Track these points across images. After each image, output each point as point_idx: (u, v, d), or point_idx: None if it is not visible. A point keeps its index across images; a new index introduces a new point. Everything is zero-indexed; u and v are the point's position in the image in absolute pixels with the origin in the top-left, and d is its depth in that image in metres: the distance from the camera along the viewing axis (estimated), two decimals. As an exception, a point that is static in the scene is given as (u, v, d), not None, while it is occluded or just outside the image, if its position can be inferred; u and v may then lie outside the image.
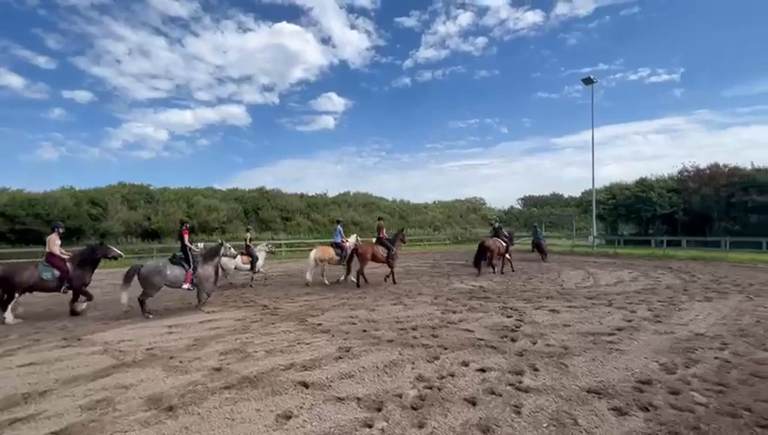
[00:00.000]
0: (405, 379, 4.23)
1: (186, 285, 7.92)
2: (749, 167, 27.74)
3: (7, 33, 53.46)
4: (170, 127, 64.15)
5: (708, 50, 59.45)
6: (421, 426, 3.22)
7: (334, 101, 68.28)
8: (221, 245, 9.06)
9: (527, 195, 55.31)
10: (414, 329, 6.28)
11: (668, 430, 3.11)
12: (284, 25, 64.93)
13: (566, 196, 52.73)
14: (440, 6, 65.33)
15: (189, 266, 7.98)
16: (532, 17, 63.67)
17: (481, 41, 65.53)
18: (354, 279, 11.03)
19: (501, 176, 77.21)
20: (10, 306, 7.34)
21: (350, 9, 69.79)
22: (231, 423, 3.31)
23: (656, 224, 31.74)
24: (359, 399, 3.73)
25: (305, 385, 4.06)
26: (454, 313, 7.46)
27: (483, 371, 4.43)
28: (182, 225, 8.44)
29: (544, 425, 3.22)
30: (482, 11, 64.73)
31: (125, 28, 59.71)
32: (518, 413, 3.41)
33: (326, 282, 11.73)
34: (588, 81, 27.29)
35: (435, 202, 46.86)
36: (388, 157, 75.82)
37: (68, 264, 7.94)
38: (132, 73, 61.39)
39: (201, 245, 9.68)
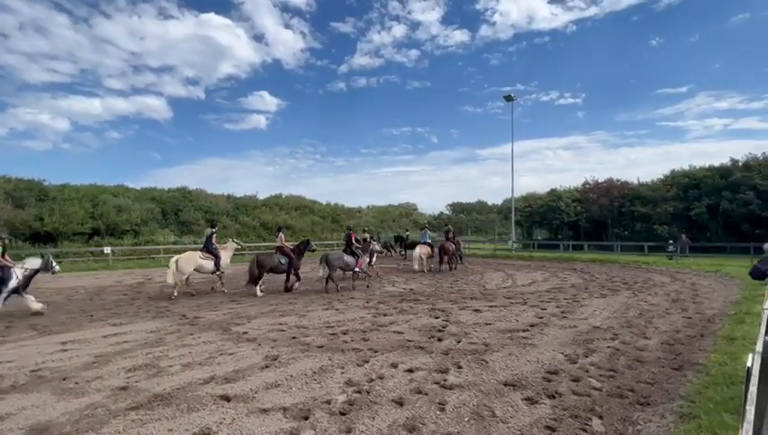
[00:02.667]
0: (334, 384, 4.18)
1: (356, 269, 11.30)
2: (635, 182, 32.51)
3: None
4: (72, 116, 56.22)
5: (602, 80, 68.81)
6: (349, 431, 3.21)
7: (266, 101, 65.49)
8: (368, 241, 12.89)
9: (455, 201, 58.49)
10: (345, 333, 6.25)
11: (570, 413, 3.49)
12: (212, 17, 60.75)
13: (490, 203, 56.74)
14: (375, 16, 66.70)
15: (359, 257, 11.53)
16: (460, 36, 67.72)
17: (414, 53, 67.94)
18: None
19: (431, 183, 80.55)
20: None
21: (285, 8, 67.91)
22: (137, 448, 2.98)
23: (563, 230, 35.60)
24: (285, 409, 3.59)
25: (227, 398, 3.80)
26: (385, 315, 7.57)
27: (411, 371, 4.55)
28: (349, 230, 12.63)
29: (466, 419, 3.41)
30: (414, 25, 67.20)
31: (14, -2, 51.11)
32: (442, 410, 3.56)
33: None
34: (509, 98, 29.78)
35: (369, 206, 47.32)
36: (323, 160, 74.76)
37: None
38: (24, 52, 52.41)
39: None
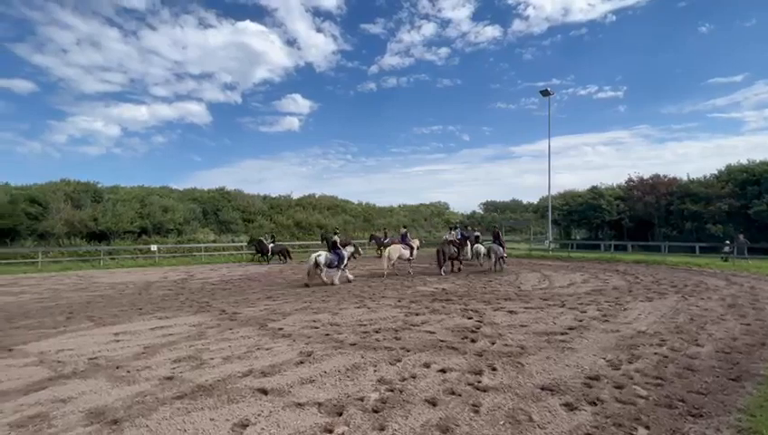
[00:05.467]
0: (367, 382, 4.22)
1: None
2: (685, 178, 30.39)
3: (-69, 11, 47.96)
4: (123, 122, 60.39)
5: (645, 71, 64.79)
6: (382, 429, 3.22)
7: (299, 103, 67.26)
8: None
9: (488, 200, 57.23)
10: (377, 332, 6.28)
11: (613, 422, 3.32)
12: (248, 24, 63.10)
13: (525, 202, 55.08)
14: (405, 16, 66.41)
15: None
16: (492, 32, 66.17)
17: (444, 51, 67.19)
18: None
19: (463, 181, 79.35)
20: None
21: (316, 12, 69.25)
22: (183, 434, 3.15)
23: (604, 229, 33.94)
24: (319, 404, 3.66)
25: (264, 392, 3.93)
26: (416, 315, 7.54)
27: (443, 371, 4.50)
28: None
29: (501, 423, 3.33)
30: (444, 23, 66.35)
31: (73, 17, 55.56)
32: (476, 412, 3.50)
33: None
34: (545, 93, 28.73)
35: (400, 205, 47.34)
36: (354, 160, 75.70)
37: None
38: (81, 65, 57.12)
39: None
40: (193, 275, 15.21)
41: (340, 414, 3.47)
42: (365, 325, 6.74)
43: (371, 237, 24.18)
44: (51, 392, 3.97)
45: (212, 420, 3.38)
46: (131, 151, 61.99)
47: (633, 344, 5.53)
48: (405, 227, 17.38)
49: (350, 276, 12.68)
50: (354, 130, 76.50)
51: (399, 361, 4.88)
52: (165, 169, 67.47)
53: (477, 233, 20.05)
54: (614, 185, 34.93)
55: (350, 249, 12.98)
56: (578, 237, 35.13)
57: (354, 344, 5.59)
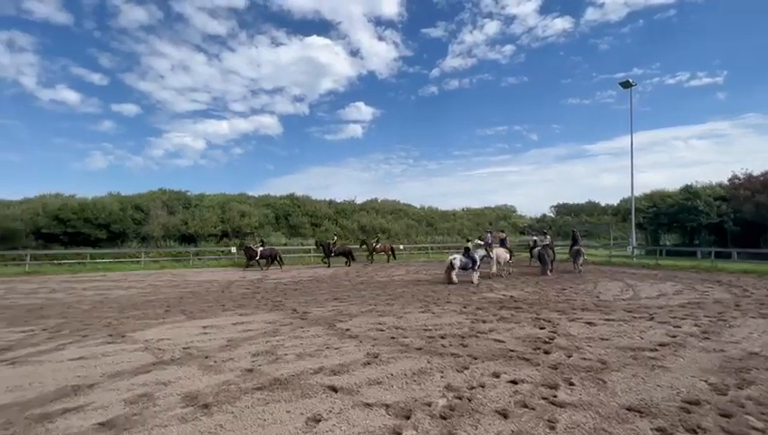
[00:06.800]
0: (434, 387, 4.18)
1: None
2: (809, 173, 25.62)
3: (67, 53, 57.83)
4: (207, 136, 67.01)
5: (750, 52, 55.74)
6: (451, 436, 3.17)
7: (362, 111, 69.19)
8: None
9: (560, 202, 53.30)
10: (442, 337, 6.20)
11: (720, 455, 2.89)
12: (315, 39, 66.57)
13: (603, 204, 50.50)
14: (467, 17, 65.04)
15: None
16: (562, 24, 62.02)
17: (509, 48, 64.51)
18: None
19: (531, 183, 75.13)
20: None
21: (378, 22, 70.69)
22: (263, 423, 3.39)
23: (702, 234, 29.84)
24: (387, 405, 3.71)
25: (334, 389, 4.09)
26: (483, 322, 7.30)
27: (514, 382, 4.30)
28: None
29: (581, 442, 3.08)
30: (509, 19, 63.67)
31: (168, 46, 63.28)
32: (552, 428, 3.28)
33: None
34: (626, 84, 26.19)
35: (463, 209, 46.20)
36: (416, 164, 75.69)
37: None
38: (174, 87, 64.79)
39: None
40: (267, 276, 16.37)
41: (408, 418, 3.48)
42: (430, 330, 6.69)
43: (362, 242, 24.26)
44: (154, 376, 4.54)
45: (288, 412, 3.60)
46: (214, 162, 68.61)
47: (743, 368, 4.78)
48: (503, 232, 19.64)
49: (476, 280, 13.50)
50: (415, 134, 76.67)
51: (467, 368, 4.76)
52: (242, 177, 73.55)
53: (535, 238, 20.30)
54: (713, 183, 30.64)
55: (481, 252, 14.32)
56: (668, 243, 31.30)
57: (420, 349, 5.57)
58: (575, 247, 17.45)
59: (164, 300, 10.08)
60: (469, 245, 14.13)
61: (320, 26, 72.11)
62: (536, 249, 17.46)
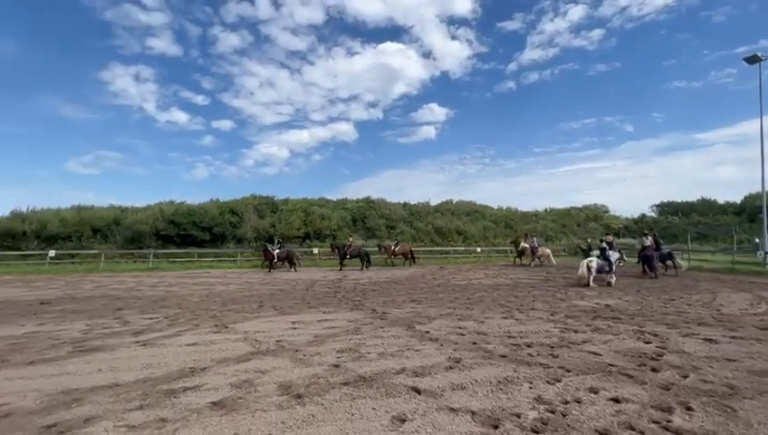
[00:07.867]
0: (522, 398, 3.94)
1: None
2: None
3: (177, 80, 67.65)
4: (290, 146, 72.57)
5: None
6: (545, 452, 2.95)
7: (435, 112, 68.84)
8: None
9: (665, 200, 46.48)
10: (529, 346, 5.83)
11: None
12: (388, 45, 68.18)
13: (720, 201, 43.14)
14: (547, 4, 60.74)
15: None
16: (663, -1, 54.57)
17: (597, 33, 58.87)
18: None
19: (626, 179, 67.29)
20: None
21: (451, 21, 69.83)
22: (351, 418, 3.52)
23: None
24: (473, 412, 3.60)
25: (417, 391, 4.09)
26: (575, 332, 6.71)
27: (616, 401, 3.87)
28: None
29: (708, 478, 2.65)
30: (597, 1, 57.94)
31: (257, 65, 70.17)
32: (669, 458, 2.88)
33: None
34: (754, 59, 22.12)
35: (546, 210, 43.10)
36: (492, 163, 72.95)
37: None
38: (262, 103, 71.57)
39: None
40: (346, 276, 17.09)
41: (496, 427, 3.33)
42: (514, 337, 6.35)
43: (379, 247, 23.63)
44: (254, 364, 5.00)
45: (373, 409, 3.69)
46: (297, 169, 73.99)
47: None
48: (608, 235, 17.49)
49: (613, 281, 13.31)
50: (491, 132, 73.99)
51: (559, 380, 4.41)
52: (321, 182, 78.20)
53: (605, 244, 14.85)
54: None
55: (615, 255, 13.87)
56: (814, 248, 25.52)
57: (504, 356, 5.31)
58: (659, 251, 16.67)
59: (258, 296, 11.09)
60: (604, 245, 13.89)
61: (392, 32, 73.58)
62: (643, 253, 16.30)
